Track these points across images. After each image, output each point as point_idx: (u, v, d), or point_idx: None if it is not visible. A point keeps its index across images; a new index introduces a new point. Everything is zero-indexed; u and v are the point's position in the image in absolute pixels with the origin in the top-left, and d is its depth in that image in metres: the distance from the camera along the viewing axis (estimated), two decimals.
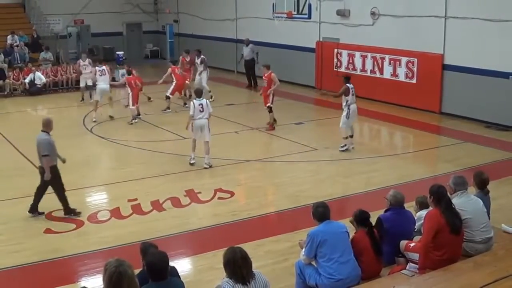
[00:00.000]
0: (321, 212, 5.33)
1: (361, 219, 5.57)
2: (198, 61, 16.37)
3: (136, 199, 8.74)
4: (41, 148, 7.89)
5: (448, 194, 5.47)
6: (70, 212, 8.14)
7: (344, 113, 11.19)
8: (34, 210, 8.15)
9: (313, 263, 5.35)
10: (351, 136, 11.51)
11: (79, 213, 8.17)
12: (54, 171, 8.00)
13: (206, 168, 10.39)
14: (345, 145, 11.34)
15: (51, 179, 7.97)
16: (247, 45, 18.58)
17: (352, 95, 11.19)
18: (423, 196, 5.96)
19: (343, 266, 5.15)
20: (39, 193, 8.11)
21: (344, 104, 11.27)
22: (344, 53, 17.07)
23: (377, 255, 5.45)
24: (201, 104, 10.35)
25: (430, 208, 5.51)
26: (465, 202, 5.46)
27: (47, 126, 8.00)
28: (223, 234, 7.66)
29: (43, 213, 8.17)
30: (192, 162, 10.49)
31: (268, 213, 8.49)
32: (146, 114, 14.77)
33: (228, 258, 4.32)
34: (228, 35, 21.77)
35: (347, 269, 5.17)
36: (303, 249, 5.40)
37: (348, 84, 11.17)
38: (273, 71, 13.20)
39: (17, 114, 16.32)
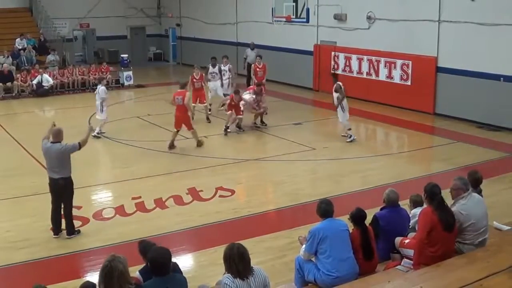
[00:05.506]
0: (324, 208, 5.41)
1: (356, 218, 5.59)
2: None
3: (139, 197, 8.91)
4: (67, 152, 7.38)
5: (451, 196, 5.55)
6: (73, 232, 7.66)
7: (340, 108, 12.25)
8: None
9: (313, 259, 5.42)
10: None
11: (79, 231, 7.77)
12: (70, 182, 7.55)
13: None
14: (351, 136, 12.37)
15: (69, 190, 7.52)
16: (252, 49, 18.39)
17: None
18: (417, 194, 6.13)
19: (342, 263, 5.23)
20: (58, 208, 7.58)
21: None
22: (341, 55, 17.28)
23: (366, 256, 5.46)
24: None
25: (424, 205, 5.62)
26: (472, 207, 5.44)
27: (59, 136, 7.47)
28: (224, 231, 7.81)
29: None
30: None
31: (268, 211, 8.64)
32: (149, 115, 15.04)
33: (225, 254, 4.40)
34: (229, 38, 21.97)
35: (346, 267, 5.25)
36: (304, 245, 5.47)
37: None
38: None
39: (25, 115, 16.56)
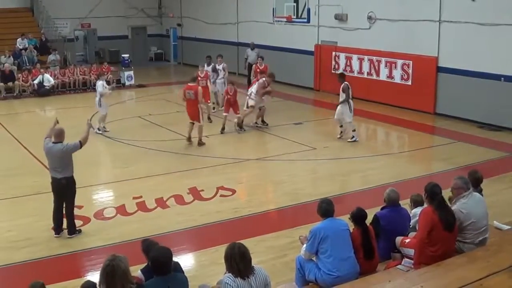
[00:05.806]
0: (325, 208, 5.42)
1: (356, 217, 5.61)
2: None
3: (141, 197, 8.92)
4: (69, 151, 7.38)
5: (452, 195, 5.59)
6: (74, 232, 7.68)
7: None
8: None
9: (314, 258, 5.43)
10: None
11: (80, 231, 7.78)
12: (73, 181, 7.59)
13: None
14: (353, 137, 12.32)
15: (71, 189, 7.55)
16: (252, 49, 18.51)
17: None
18: (418, 194, 6.15)
19: (343, 263, 5.26)
20: (60, 208, 7.60)
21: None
22: (342, 55, 17.33)
23: (366, 256, 5.48)
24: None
25: (425, 205, 5.63)
26: (472, 206, 5.46)
27: (60, 136, 7.46)
28: (225, 230, 7.83)
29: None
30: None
31: (268, 210, 8.66)
32: (151, 115, 15.07)
33: (226, 253, 4.42)
34: (230, 39, 22.03)
35: (346, 266, 5.27)
36: (305, 245, 5.48)
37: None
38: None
39: (26, 114, 16.61)
